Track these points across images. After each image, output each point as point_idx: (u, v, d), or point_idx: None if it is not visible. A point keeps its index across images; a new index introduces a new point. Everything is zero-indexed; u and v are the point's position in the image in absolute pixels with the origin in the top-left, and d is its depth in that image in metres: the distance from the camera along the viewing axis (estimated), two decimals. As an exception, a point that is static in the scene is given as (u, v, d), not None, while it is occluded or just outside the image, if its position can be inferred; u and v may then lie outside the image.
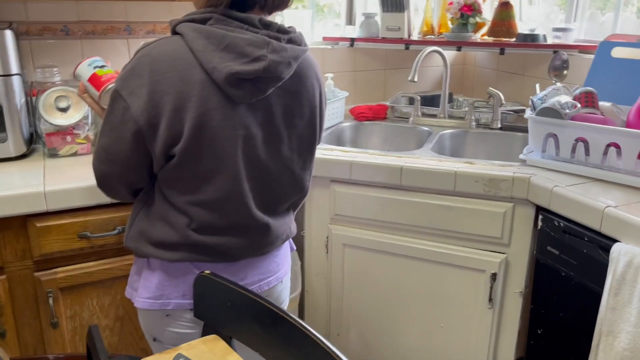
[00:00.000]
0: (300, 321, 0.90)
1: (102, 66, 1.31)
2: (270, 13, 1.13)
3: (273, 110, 1.12)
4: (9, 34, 1.62)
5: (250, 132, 1.09)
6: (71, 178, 1.55)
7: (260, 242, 1.22)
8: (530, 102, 1.74)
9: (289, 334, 0.91)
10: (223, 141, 1.06)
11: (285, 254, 1.36)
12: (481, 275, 1.70)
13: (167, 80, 1.01)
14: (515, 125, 2.14)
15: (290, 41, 1.09)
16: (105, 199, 1.54)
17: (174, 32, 1.08)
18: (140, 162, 1.10)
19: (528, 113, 1.71)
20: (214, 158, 1.07)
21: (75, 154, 1.76)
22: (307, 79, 1.17)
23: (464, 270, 1.72)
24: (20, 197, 1.45)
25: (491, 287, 1.69)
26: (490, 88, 2.13)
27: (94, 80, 1.29)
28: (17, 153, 1.71)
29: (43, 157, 1.75)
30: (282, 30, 1.09)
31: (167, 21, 2.10)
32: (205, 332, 1.05)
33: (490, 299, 1.70)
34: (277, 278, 1.32)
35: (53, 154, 1.74)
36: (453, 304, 1.77)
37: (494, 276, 1.67)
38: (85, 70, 1.31)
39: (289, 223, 1.30)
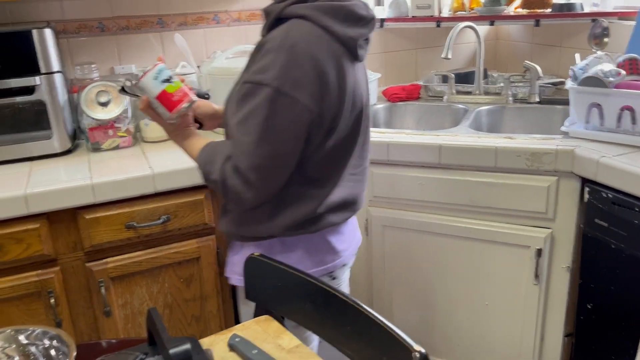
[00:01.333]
0: (353, 298, 0.91)
1: (169, 78, 1.18)
2: None
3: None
4: (48, 33, 1.66)
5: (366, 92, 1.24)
6: (115, 170, 1.59)
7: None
8: (570, 73, 1.69)
9: (342, 311, 0.91)
10: (364, 103, 1.21)
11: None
12: (526, 251, 1.67)
13: (323, 62, 1.06)
14: (554, 98, 2.09)
15: None
16: (149, 189, 1.57)
17: (280, 19, 1.10)
18: (299, 152, 1.12)
19: (569, 84, 1.66)
20: (357, 121, 1.19)
21: (117, 147, 1.80)
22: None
23: (508, 247, 1.70)
24: (69, 190, 1.49)
25: (537, 263, 1.66)
26: (526, 61, 2.08)
27: (165, 99, 1.17)
28: (62, 149, 1.76)
29: (87, 151, 1.80)
30: None
31: (197, 12, 2.12)
32: (257, 314, 1.07)
33: (537, 276, 1.67)
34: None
35: (96, 148, 1.78)
36: (497, 282, 1.75)
37: (539, 252, 1.65)
38: (152, 86, 1.16)
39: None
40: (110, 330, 1.64)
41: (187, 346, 0.77)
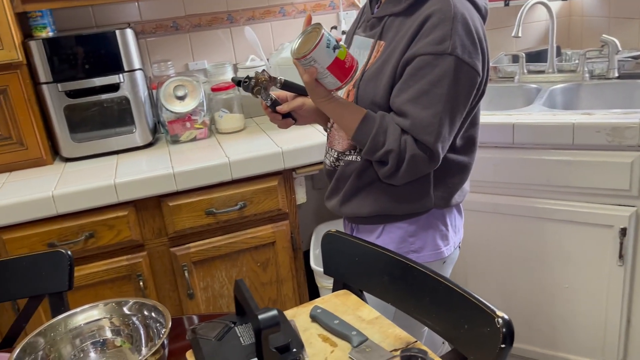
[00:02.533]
0: (431, 269, 0.92)
1: (337, 44, 1.06)
2: None
3: None
4: (130, 33, 1.77)
5: None
6: (194, 160, 1.67)
7: None
8: (653, 43, 1.61)
9: (421, 283, 0.93)
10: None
11: None
12: (609, 231, 1.61)
13: (481, 28, 1.12)
14: (635, 72, 1.99)
15: None
16: (226, 177, 1.64)
17: None
18: None
19: (652, 54, 1.58)
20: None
21: (194, 139, 1.89)
22: None
23: (589, 227, 1.64)
24: (154, 179, 1.59)
25: (621, 243, 1.59)
26: (603, 35, 1.99)
27: (337, 67, 1.06)
28: (144, 142, 1.87)
29: (166, 144, 1.90)
30: None
31: (264, 6, 2.18)
32: (335, 288, 1.10)
33: (621, 256, 1.60)
34: None
35: (175, 140, 1.88)
36: (578, 263, 1.69)
37: (623, 231, 1.58)
38: (325, 55, 1.04)
39: None
40: (193, 312, 1.73)
41: (275, 312, 0.80)
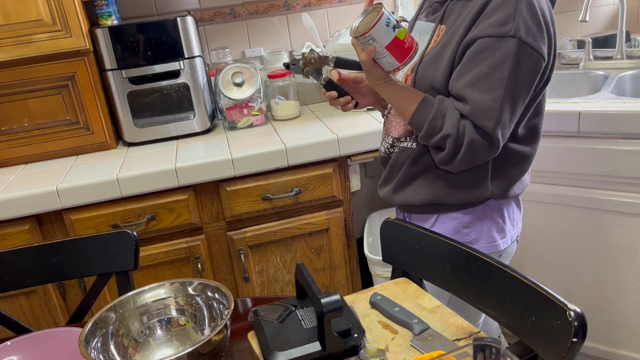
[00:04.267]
0: (495, 258, 0.90)
1: (397, 24, 1.04)
2: None
3: None
4: (190, 20, 1.80)
5: None
6: (251, 146, 1.69)
7: None
8: None
9: (485, 272, 0.91)
10: None
11: None
12: (681, 225, 1.53)
13: (548, 11, 1.08)
14: None
15: None
16: (282, 163, 1.65)
17: None
18: None
19: None
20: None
21: (251, 125, 1.91)
22: None
23: (659, 221, 1.56)
24: (212, 164, 1.62)
25: (694, 239, 1.51)
26: (679, 19, 1.88)
27: (396, 46, 1.04)
28: (203, 128, 1.91)
29: (224, 130, 1.93)
30: None
31: (321, -7, 2.17)
32: (394, 276, 1.09)
33: (693, 252, 1.52)
34: None
35: (232, 127, 1.91)
36: (645, 258, 1.62)
37: (697, 226, 1.49)
38: (384, 34, 1.02)
39: None
40: (248, 295, 1.77)
41: (338, 297, 0.81)
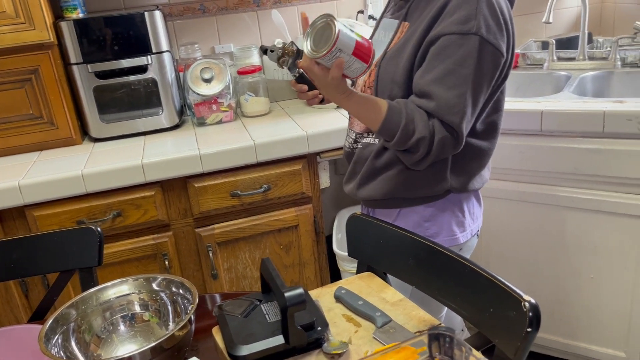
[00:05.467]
0: (457, 252, 0.92)
1: (350, 26, 1.03)
2: None
3: None
4: (158, 15, 1.78)
5: None
6: (220, 142, 1.69)
7: None
8: (690, 30, 1.56)
9: (447, 266, 0.93)
10: None
11: None
12: (636, 221, 1.58)
13: (507, 9, 1.10)
14: (669, 61, 1.94)
15: None
16: (251, 160, 1.65)
17: None
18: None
19: (689, 41, 1.54)
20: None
21: (220, 122, 1.90)
22: None
23: (616, 216, 1.61)
24: (180, 160, 1.61)
25: (649, 234, 1.56)
26: (637, 22, 1.94)
27: (361, 49, 1.00)
28: (171, 124, 1.89)
29: (192, 126, 1.92)
30: None
31: (292, -10, 2.17)
32: (359, 270, 1.10)
33: (649, 247, 1.58)
34: None
35: (201, 123, 1.90)
36: (604, 253, 1.67)
37: (652, 222, 1.55)
38: (348, 40, 0.98)
39: None
40: (217, 292, 1.76)
41: (301, 290, 0.82)
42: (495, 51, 1.07)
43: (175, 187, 1.65)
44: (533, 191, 1.72)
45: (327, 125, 1.73)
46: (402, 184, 1.19)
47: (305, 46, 1.00)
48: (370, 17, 2.19)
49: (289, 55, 1.20)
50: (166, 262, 1.68)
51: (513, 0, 1.16)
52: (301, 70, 1.21)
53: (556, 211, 1.70)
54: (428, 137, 1.07)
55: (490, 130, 1.22)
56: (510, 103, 1.70)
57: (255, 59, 2.06)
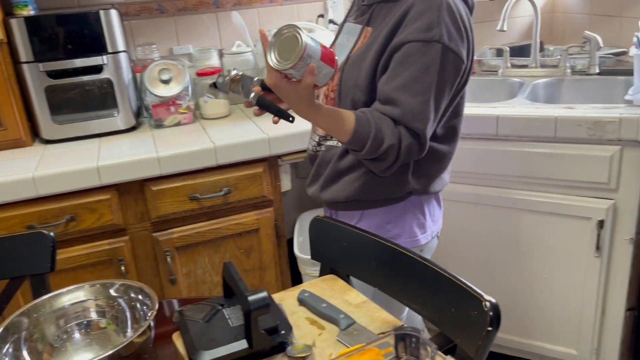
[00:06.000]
0: (418, 254, 0.93)
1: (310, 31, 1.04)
2: None
3: None
4: (114, 14, 1.74)
5: None
6: (178, 145, 1.65)
7: None
8: (634, 40, 1.64)
9: (409, 268, 0.94)
10: None
11: None
12: (587, 223, 1.64)
13: (467, 17, 1.13)
14: (615, 69, 2.02)
15: None
16: (211, 162, 1.63)
17: None
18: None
19: (634, 51, 1.61)
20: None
21: (178, 124, 1.87)
22: None
23: (568, 219, 1.67)
24: (137, 163, 1.57)
25: (598, 235, 1.63)
26: (586, 32, 2.02)
27: (326, 53, 0.98)
28: (127, 126, 1.84)
29: (150, 128, 1.88)
30: None
31: (252, -8, 2.16)
32: (322, 273, 1.10)
33: (598, 248, 1.64)
34: None
35: (159, 125, 1.86)
36: (556, 254, 1.73)
37: (601, 223, 1.61)
38: (315, 45, 0.96)
39: None
40: (175, 297, 1.72)
41: (265, 294, 0.81)
42: (457, 58, 1.10)
43: (132, 190, 1.61)
44: (490, 194, 1.76)
45: (288, 128, 1.72)
46: (364, 186, 1.20)
47: (271, 60, 0.97)
48: (331, 21, 2.20)
49: (237, 81, 1.16)
50: (122, 268, 1.63)
51: (472, 7, 1.19)
52: (258, 94, 1.14)
53: (511, 213, 1.75)
54: (396, 145, 1.08)
55: (450, 135, 1.24)
56: (468, 108, 1.73)
57: (214, 60, 2.04)
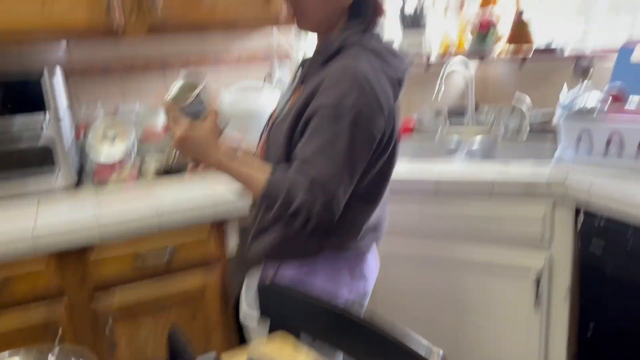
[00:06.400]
0: (366, 318, 0.94)
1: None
2: None
3: None
4: (58, 74, 1.72)
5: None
6: (121, 206, 1.62)
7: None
8: (559, 104, 1.77)
9: (356, 332, 0.94)
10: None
11: None
12: (525, 278, 1.71)
13: (387, 91, 1.16)
14: (544, 128, 2.17)
15: None
16: (154, 224, 1.60)
17: (339, 48, 1.18)
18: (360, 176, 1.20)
19: (558, 114, 1.74)
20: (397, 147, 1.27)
21: (123, 183, 1.83)
22: None
23: (508, 274, 1.73)
24: (76, 228, 1.52)
25: (537, 290, 1.69)
26: (515, 94, 2.17)
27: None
28: (69, 186, 1.79)
29: (92, 188, 1.83)
30: None
31: (199, 53, 2.20)
32: (270, 333, 1.09)
33: (537, 301, 1.71)
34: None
35: (102, 184, 1.82)
36: (498, 309, 1.78)
37: (538, 278, 1.68)
38: (209, 88, 1.16)
39: None
40: (116, 366, 1.64)
41: (214, 353, 0.79)
42: (372, 127, 1.14)
43: (71, 255, 1.55)
44: (432, 252, 1.81)
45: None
46: (282, 241, 1.24)
47: (172, 97, 1.14)
48: (278, 81, 2.26)
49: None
50: (59, 336, 1.54)
51: (398, 78, 1.22)
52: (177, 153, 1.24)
53: (454, 270, 1.80)
54: (307, 206, 1.10)
55: (371, 196, 1.27)
56: (408, 168, 1.81)
57: (161, 118, 2.04)
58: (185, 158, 1.19)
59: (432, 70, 2.49)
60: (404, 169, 1.80)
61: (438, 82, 2.08)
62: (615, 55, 1.93)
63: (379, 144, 1.19)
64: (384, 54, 1.19)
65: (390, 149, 1.24)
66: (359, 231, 1.28)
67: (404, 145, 2.32)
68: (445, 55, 2.50)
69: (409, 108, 2.63)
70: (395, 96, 1.21)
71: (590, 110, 1.62)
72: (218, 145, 1.14)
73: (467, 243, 1.77)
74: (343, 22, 1.22)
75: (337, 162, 1.11)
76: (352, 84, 1.11)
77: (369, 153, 1.17)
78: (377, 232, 1.34)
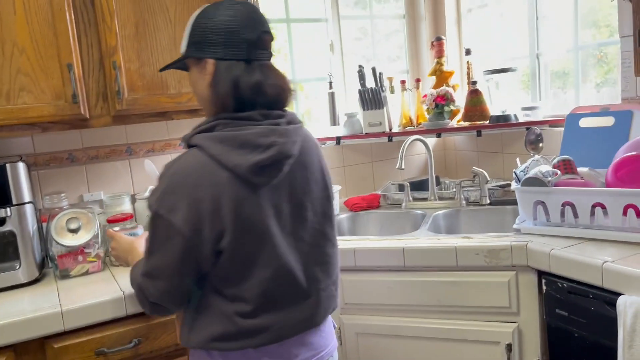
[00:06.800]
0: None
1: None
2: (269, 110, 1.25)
3: (293, 183, 1.25)
4: (21, 166, 1.72)
5: (280, 208, 1.22)
6: (85, 296, 1.58)
7: (312, 315, 1.29)
8: (514, 175, 1.86)
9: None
10: (259, 223, 1.18)
11: (331, 328, 1.41)
12: (496, 347, 1.71)
13: (199, 189, 1.14)
14: (503, 199, 2.25)
15: (289, 123, 1.25)
16: (121, 313, 1.56)
17: (190, 146, 1.21)
18: (192, 268, 1.19)
19: (514, 185, 1.81)
20: (256, 241, 1.18)
21: (86, 273, 1.80)
22: (310, 149, 1.32)
23: (479, 344, 1.73)
24: (37, 319, 1.47)
25: (508, 358, 1.69)
26: (474, 167, 2.26)
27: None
28: (30, 278, 1.74)
29: (55, 279, 1.79)
30: (279, 116, 1.24)
31: (165, 139, 2.25)
32: None
33: (510, 371, 1.70)
34: (328, 353, 1.35)
35: (65, 275, 1.78)
36: (473, 381, 1.76)
37: (509, 347, 1.68)
38: None
39: (335, 294, 1.37)
40: None
41: None
42: (169, 225, 1.14)
43: (30, 349, 1.49)
44: (403, 325, 1.80)
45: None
46: (187, 330, 1.29)
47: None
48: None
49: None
50: None
51: (247, 178, 1.15)
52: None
53: (425, 342, 1.79)
54: (136, 289, 1.26)
55: (229, 296, 1.22)
56: (376, 242, 1.84)
57: (126, 206, 2.04)
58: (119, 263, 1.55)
59: (394, 144, 2.58)
60: (371, 242, 1.82)
61: (399, 156, 2.16)
62: (563, 123, 2.05)
63: (199, 244, 1.16)
64: (219, 151, 1.16)
65: (238, 248, 1.18)
66: (223, 327, 1.23)
67: (371, 219, 2.36)
68: (405, 128, 2.61)
69: (374, 180, 2.71)
70: (223, 198, 1.14)
71: (542, 182, 1.70)
72: (138, 253, 1.41)
73: (436, 314, 1.77)
74: None
75: (145, 258, 1.25)
76: (161, 183, 1.19)
77: (175, 249, 1.17)
78: (266, 333, 1.23)
